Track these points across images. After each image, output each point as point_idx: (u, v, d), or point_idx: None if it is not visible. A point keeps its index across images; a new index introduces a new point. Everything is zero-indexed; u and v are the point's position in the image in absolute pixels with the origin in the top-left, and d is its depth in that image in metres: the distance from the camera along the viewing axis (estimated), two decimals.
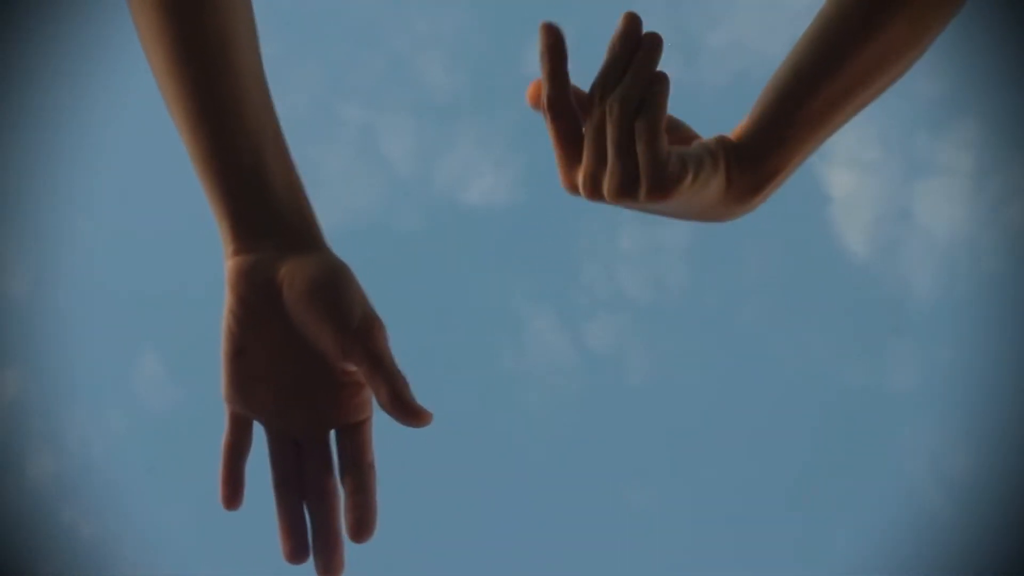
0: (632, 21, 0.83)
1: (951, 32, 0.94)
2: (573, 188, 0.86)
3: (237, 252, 0.89)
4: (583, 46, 0.86)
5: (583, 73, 0.85)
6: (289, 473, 0.89)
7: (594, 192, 0.85)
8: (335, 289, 0.87)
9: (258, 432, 0.91)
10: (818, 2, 0.93)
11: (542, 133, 0.86)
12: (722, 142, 0.89)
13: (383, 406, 0.85)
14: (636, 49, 0.83)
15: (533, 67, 0.86)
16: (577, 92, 0.86)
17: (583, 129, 0.85)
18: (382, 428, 0.89)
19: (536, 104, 0.87)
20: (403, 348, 0.88)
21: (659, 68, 0.83)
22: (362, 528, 0.87)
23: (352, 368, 0.88)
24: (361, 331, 0.86)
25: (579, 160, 0.85)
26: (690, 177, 0.84)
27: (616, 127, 0.82)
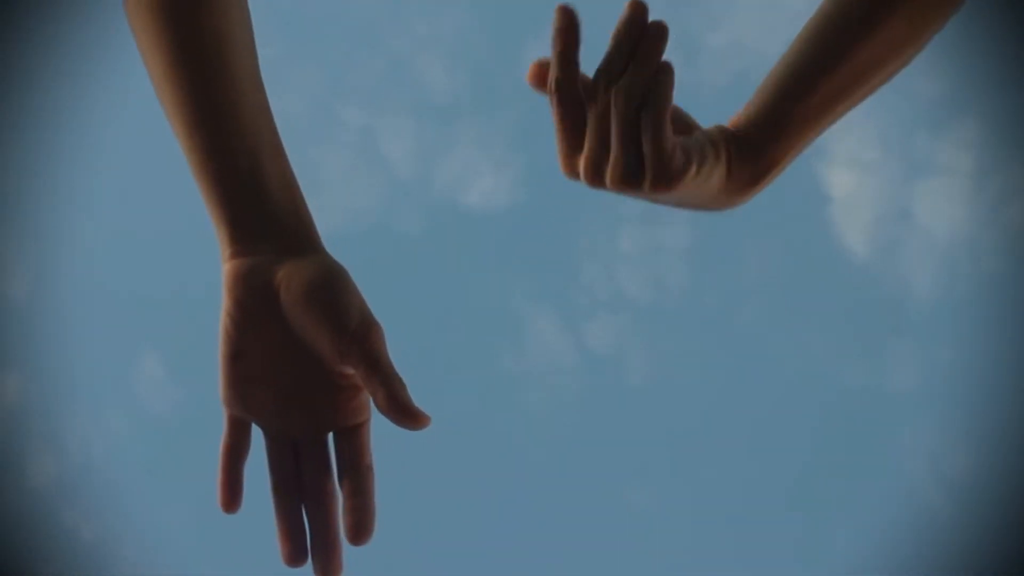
0: (638, 8, 0.82)
1: (951, 32, 0.94)
2: (573, 173, 0.86)
3: (234, 255, 0.89)
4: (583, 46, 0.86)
5: (583, 64, 0.85)
6: (288, 476, 0.89)
7: (595, 179, 0.84)
8: (332, 292, 0.87)
9: (256, 435, 0.91)
10: (817, 2, 0.93)
11: (542, 134, 0.85)
12: (723, 133, 0.90)
13: (380, 409, 0.85)
14: (641, 37, 0.82)
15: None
16: (582, 77, 0.85)
17: (587, 115, 0.85)
18: (381, 430, 0.89)
19: (537, 84, 0.85)
20: (404, 349, 0.88)
21: (664, 58, 0.82)
22: (360, 531, 0.86)
23: (350, 371, 0.88)
24: (358, 334, 0.86)
25: (581, 145, 0.85)
26: (693, 170, 0.84)
27: (621, 118, 0.82)
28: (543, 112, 0.85)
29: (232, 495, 0.89)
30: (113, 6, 0.97)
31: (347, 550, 0.88)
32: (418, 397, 0.86)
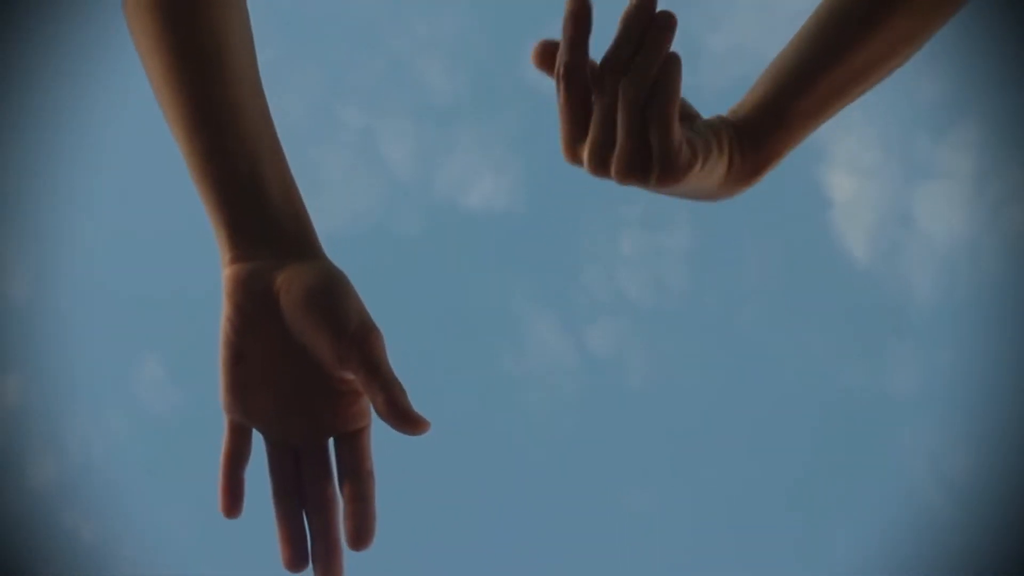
0: None
1: (951, 34, 0.94)
2: (576, 159, 0.85)
3: (234, 260, 0.89)
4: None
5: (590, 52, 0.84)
6: (288, 481, 0.89)
7: (599, 167, 0.84)
8: (332, 297, 0.87)
9: (257, 441, 0.90)
10: (816, 3, 0.93)
11: (542, 136, 0.85)
12: (725, 124, 0.89)
13: (380, 414, 0.85)
14: (649, 26, 0.81)
15: (533, 70, 0.85)
16: (590, 64, 0.83)
17: (593, 102, 0.83)
18: (382, 434, 0.89)
19: (541, 65, 0.84)
20: (404, 351, 0.88)
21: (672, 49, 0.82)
22: (361, 536, 0.86)
23: (349, 376, 0.87)
24: (357, 338, 0.86)
25: (585, 132, 0.84)
26: (699, 164, 0.84)
27: (629, 110, 0.81)
28: (543, 114, 0.85)
29: (233, 501, 0.89)
30: (113, 6, 0.97)
31: (348, 555, 0.88)
32: (418, 399, 0.86)
